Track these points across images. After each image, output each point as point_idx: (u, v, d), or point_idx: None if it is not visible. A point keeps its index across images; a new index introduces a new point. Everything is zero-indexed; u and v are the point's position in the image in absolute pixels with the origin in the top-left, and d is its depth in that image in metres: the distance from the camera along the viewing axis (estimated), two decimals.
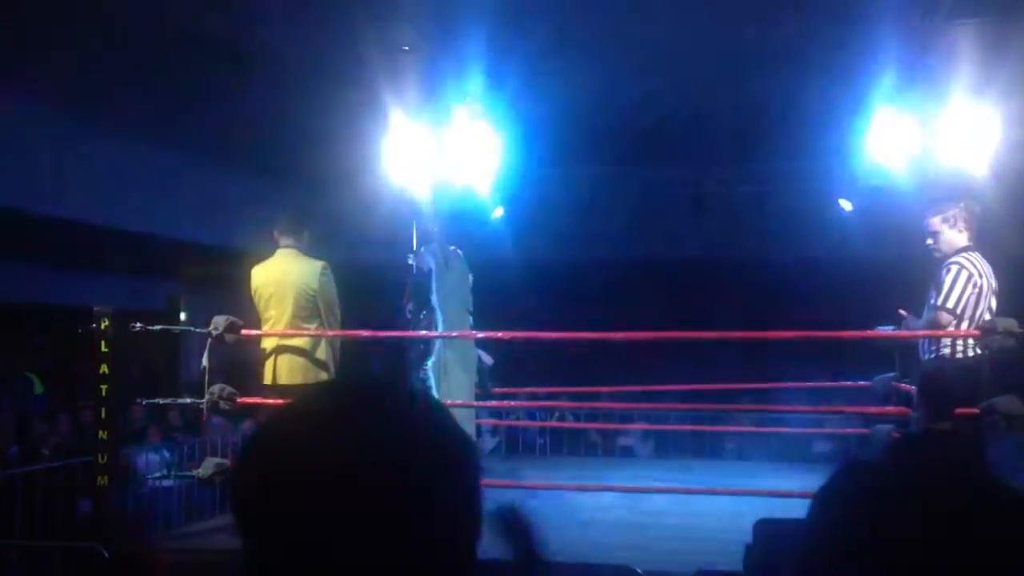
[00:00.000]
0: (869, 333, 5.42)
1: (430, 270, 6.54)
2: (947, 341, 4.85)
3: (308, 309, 5.37)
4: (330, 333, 5.38)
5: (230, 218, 8.55)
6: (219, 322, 5.24)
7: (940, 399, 4.63)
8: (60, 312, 9.90)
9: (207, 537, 5.23)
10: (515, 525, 1.44)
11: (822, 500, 0.81)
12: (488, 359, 7.17)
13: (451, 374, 6.56)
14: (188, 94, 7.37)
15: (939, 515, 0.74)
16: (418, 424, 0.82)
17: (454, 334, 6.58)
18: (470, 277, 7.01)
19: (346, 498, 0.76)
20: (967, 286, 4.76)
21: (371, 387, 0.86)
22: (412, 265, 6.63)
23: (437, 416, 0.84)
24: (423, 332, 6.43)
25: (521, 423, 8.75)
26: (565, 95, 7.62)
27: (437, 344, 6.50)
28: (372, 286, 7.62)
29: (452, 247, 6.95)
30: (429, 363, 6.47)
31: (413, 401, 0.85)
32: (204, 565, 4.26)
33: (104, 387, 4.99)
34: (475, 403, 6.77)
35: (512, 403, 7.89)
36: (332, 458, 0.77)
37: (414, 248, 6.91)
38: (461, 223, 9.09)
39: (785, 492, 4.90)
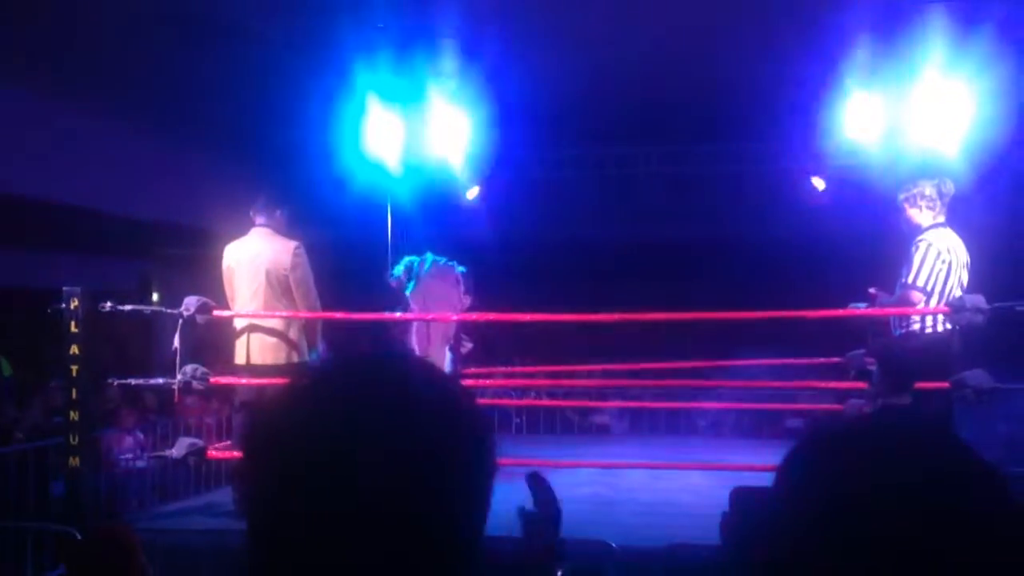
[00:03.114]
0: (841, 311, 5.47)
1: (401, 284, 6.84)
2: (917, 317, 4.91)
3: (281, 288, 5.34)
4: (300, 315, 5.34)
5: (202, 197, 8.46)
6: (191, 303, 5.20)
7: (897, 373, 4.69)
8: (29, 293, 9.78)
9: (181, 518, 5.21)
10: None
11: (786, 469, 0.82)
12: (467, 345, 7.23)
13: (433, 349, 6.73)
14: (160, 71, 7.27)
15: (902, 484, 0.75)
16: (433, 400, 0.81)
17: (429, 316, 6.59)
18: (458, 282, 7.10)
19: (354, 472, 0.75)
20: (935, 263, 4.82)
21: (383, 361, 0.85)
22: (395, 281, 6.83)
23: (451, 392, 0.84)
24: (397, 314, 6.48)
25: (498, 401, 8.78)
26: (540, 75, 7.59)
27: (416, 324, 6.65)
28: (346, 265, 7.59)
29: (443, 260, 7.07)
30: (411, 337, 6.63)
31: (428, 376, 0.84)
32: (178, 546, 4.25)
33: (75, 368, 4.95)
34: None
35: (488, 382, 7.89)
36: (343, 431, 0.76)
37: (389, 230, 7.00)
38: (436, 203, 9.09)
39: (758, 466, 4.95)
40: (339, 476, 0.75)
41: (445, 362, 6.95)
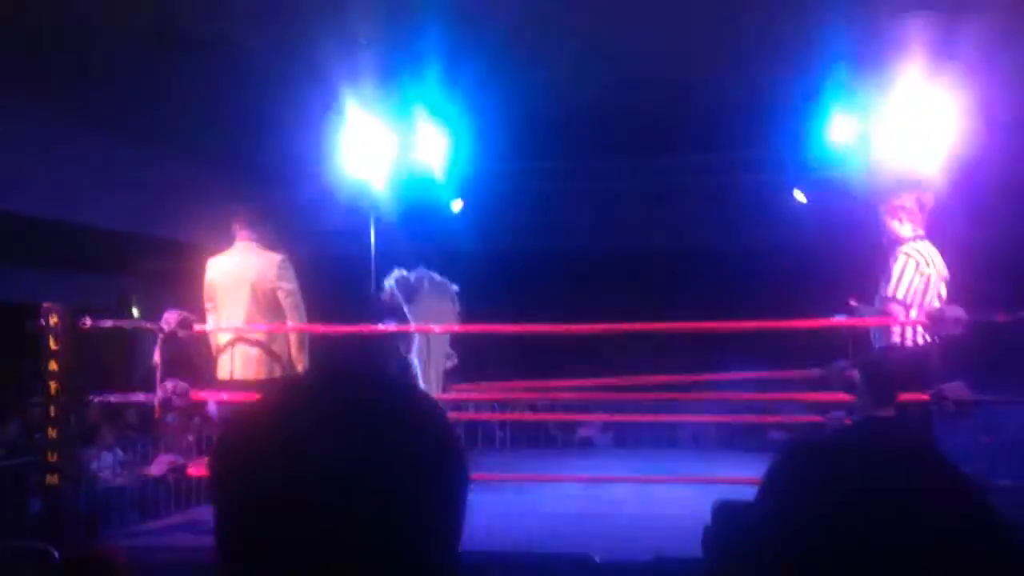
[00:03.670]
0: (822, 322, 5.50)
1: (394, 297, 6.84)
2: (897, 329, 4.94)
3: (267, 303, 5.31)
4: (281, 329, 5.31)
5: (183, 211, 8.40)
6: (171, 318, 5.17)
7: (882, 386, 4.72)
8: (6, 309, 9.68)
9: (161, 536, 5.16)
10: None
11: (769, 482, 0.82)
12: (454, 360, 7.24)
13: (432, 364, 6.73)
14: (140, 82, 7.23)
15: (885, 497, 0.75)
16: (403, 415, 0.81)
17: (412, 328, 6.58)
18: (453, 301, 7.12)
19: (327, 490, 0.74)
20: (914, 275, 4.85)
21: (361, 377, 0.85)
22: (385, 292, 6.80)
23: (425, 407, 0.83)
24: (383, 326, 6.46)
25: (481, 415, 8.76)
26: (523, 88, 7.62)
27: (418, 339, 6.65)
28: (330, 279, 7.56)
29: (432, 274, 7.08)
30: (413, 352, 6.63)
31: (398, 391, 0.84)
32: (159, 564, 4.20)
33: (54, 384, 4.90)
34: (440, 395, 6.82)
35: (471, 395, 7.88)
36: (316, 449, 0.76)
37: (372, 244, 7.02)
38: (420, 216, 9.09)
39: (742, 479, 4.95)
40: (308, 491, 0.74)
41: (441, 378, 6.97)
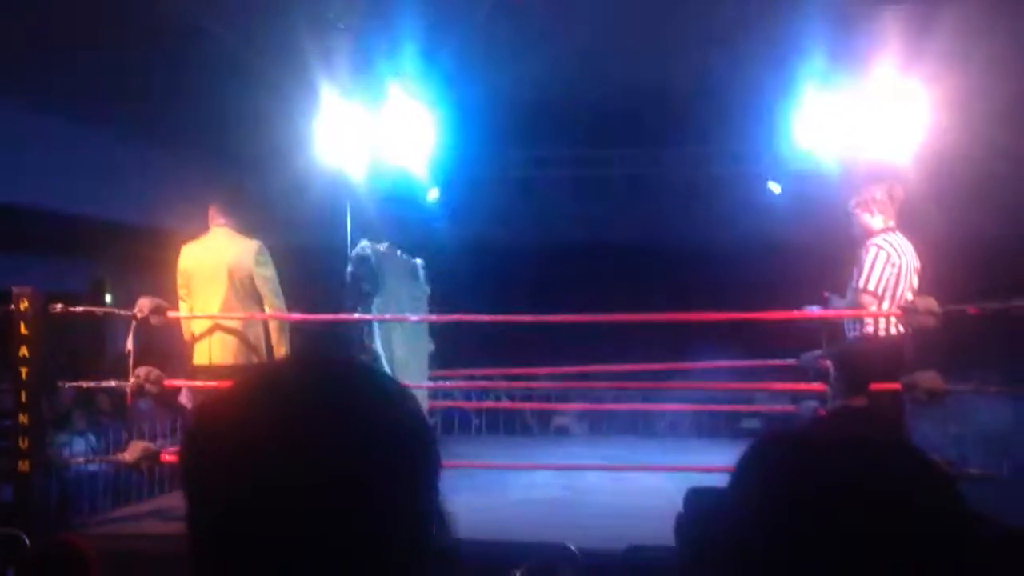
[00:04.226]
0: (796, 313, 5.54)
1: (356, 275, 6.69)
2: (870, 320, 4.98)
3: (244, 289, 5.27)
4: (255, 316, 5.28)
5: (157, 197, 8.33)
6: (145, 304, 5.12)
7: (856, 376, 4.77)
8: None
9: (134, 522, 5.12)
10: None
11: (742, 471, 0.83)
12: (431, 347, 7.21)
13: (397, 354, 6.64)
14: (112, 69, 7.14)
15: (856, 487, 0.76)
16: (373, 402, 0.81)
17: (387, 316, 6.56)
18: (416, 275, 7.05)
19: (299, 478, 0.74)
20: (885, 267, 4.89)
21: (326, 364, 0.84)
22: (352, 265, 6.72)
23: (392, 394, 0.83)
24: (356, 315, 6.43)
25: (457, 404, 8.76)
26: (499, 77, 7.59)
27: (378, 327, 6.56)
28: (305, 268, 7.52)
29: (400, 252, 7.00)
30: (377, 343, 6.54)
31: (368, 379, 0.84)
32: (131, 551, 4.18)
33: (24, 370, 4.84)
34: (421, 385, 6.80)
35: (447, 384, 7.88)
36: (286, 437, 0.75)
37: (348, 233, 6.95)
38: (396, 204, 9.05)
39: (716, 467, 4.99)
40: (277, 479, 0.74)
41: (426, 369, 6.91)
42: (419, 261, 7.18)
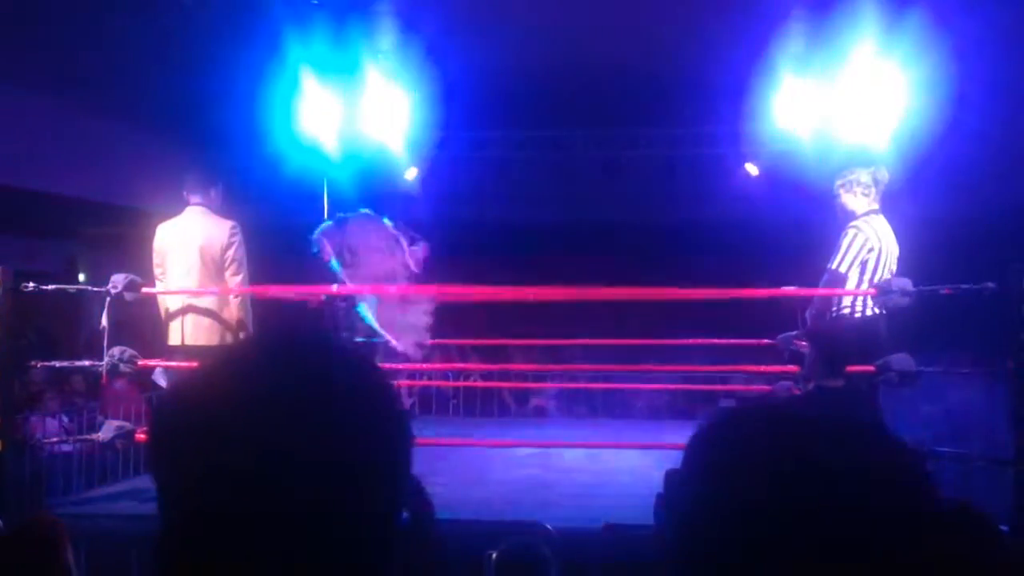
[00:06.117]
0: (772, 291, 5.56)
1: (320, 251, 6.58)
2: (847, 301, 5.01)
3: (216, 268, 5.27)
4: (230, 291, 5.26)
5: (131, 176, 8.23)
6: (118, 280, 5.07)
7: (832, 357, 4.80)
8: None
9: (108, 503, 5.09)
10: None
11: (691, 447, 0.83)
12: (427, 319, 7.15)
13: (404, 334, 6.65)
14: (85, 44, 7.03)
15: (823, 464, 0.76)
16: (342, 379, 0.80)
17: (366, 288, 6.53)
18: (402, 243, 6.97)
19: (269, 454, 0.73)
20: (861, 250, 4.91)
21: (298, 341, 0.83)
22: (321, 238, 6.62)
23: (363, 371, 0.82)
24: (335, 286, 6.40)
25: (434, 383, 8.75)
26: (478, 57, 7.55)
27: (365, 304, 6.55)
28: (281, 246, 7.47)
29: (369, 213, 6.91)
30: (360, 307, 6.53)
31: (337, 355, 0.83)
32: (105, 531, 4.15)
33: None
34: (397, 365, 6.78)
35: (424, 365, 7.86)
36: (254, 414, 0.75)
37: (325, 210, 6.88)
38: (375, 182, 9.00)
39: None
40: (246, 459, 0.73)
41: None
42: (387, 222, 7.01)
